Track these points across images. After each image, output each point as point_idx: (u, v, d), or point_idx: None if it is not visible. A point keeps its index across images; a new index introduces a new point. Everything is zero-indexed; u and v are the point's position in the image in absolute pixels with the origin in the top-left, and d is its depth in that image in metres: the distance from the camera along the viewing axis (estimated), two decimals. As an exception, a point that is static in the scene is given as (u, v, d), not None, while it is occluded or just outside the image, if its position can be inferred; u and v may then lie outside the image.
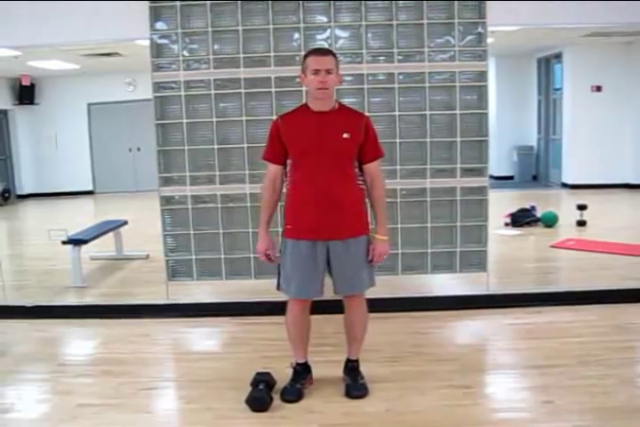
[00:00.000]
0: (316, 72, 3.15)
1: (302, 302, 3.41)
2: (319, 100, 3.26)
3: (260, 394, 3.35)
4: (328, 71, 3.15)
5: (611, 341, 4.19)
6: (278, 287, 3.43)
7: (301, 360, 3.55)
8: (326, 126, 3.24)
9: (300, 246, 3.30)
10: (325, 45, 4.84)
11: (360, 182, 3.37)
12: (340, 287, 3.38)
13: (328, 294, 3.44)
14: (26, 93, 13.21)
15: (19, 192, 13.60)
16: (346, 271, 3.33)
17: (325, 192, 3.24)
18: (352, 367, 3.56)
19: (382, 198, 3.39)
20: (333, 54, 3.25)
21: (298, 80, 3.30)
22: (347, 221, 3.29)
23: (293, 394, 3.44)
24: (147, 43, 4.88)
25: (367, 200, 3.41)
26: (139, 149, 13.70)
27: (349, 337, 3.56)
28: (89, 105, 13.69)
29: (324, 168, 3.23)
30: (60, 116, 13.50)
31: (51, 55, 10.26)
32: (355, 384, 3.48)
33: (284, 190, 3.43)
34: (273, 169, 3.39)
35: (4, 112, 13.35)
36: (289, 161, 3.36)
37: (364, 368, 3.57)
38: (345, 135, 3.23)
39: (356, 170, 3.35)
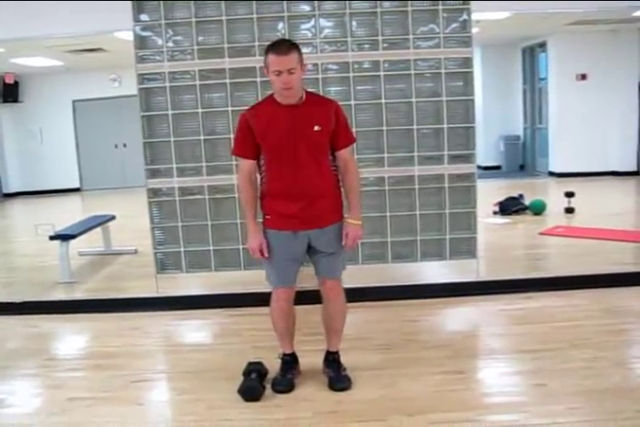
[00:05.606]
0: (279, 73, 3.05)
1: (286, 291, 3.39)
2: (285, 96, 3.18)
3: (253, 383, 3.34)
4: (290, 71, 3.04)
5: (601, 324, 4.20)
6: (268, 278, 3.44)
7: (288, 351, 3.53)
8: (297, 120, 3.17)
9: (280, 236, 3.29)
10: (309, 35, 4.82)
11: (333, 169, 3.34)
12: (322, 271, 3.38)
13: (316, 283, 3.43)
14: (9, 92, 13.10)
15: (5, 191, 13.49)
16: (326, 256, 3.33)
17: (301, 185, 3.20)
18: (333, 360, 3.51)
19: (356, 183, 3.36)
20: (296, 48, 3.10)
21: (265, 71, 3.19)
22: (325, 210, 3.28)
23: (285, 385, 3.42)
24: (131, 38, 4.84)
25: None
26: (125, 146, 13.63)
27: (329, 329, 3.51)
28: (74, 102, 13.60)
29: (299, 161, 3.18)
30: (45, 114, 13.39)
31: (34, 52, 10.15)
32: (338, 376, 3.44)
33: (260, 184, 3.37)
34: (247, 164, 3.28)
35: (-12, 111, 13.23)
36: (262, 155, 3.27)
37: (356, 356, 3.57)
38: (316, 128, 3.17)
39: (329, 157, 3.31)
